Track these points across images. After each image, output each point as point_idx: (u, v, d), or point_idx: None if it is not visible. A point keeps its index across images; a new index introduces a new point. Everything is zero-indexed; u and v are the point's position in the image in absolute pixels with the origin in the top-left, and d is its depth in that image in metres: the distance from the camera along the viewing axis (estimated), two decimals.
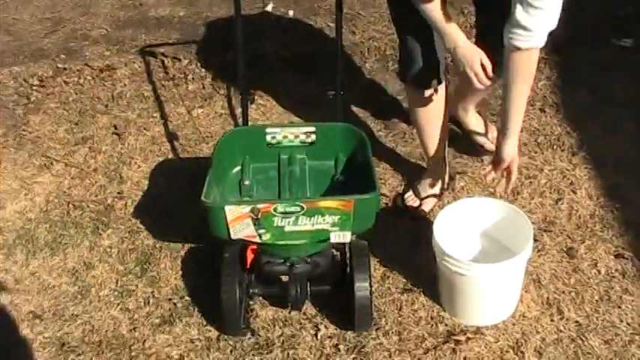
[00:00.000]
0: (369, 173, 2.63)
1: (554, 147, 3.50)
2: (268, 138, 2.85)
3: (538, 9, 2.44)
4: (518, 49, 2.52)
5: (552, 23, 2.51)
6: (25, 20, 4.72)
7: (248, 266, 2.73)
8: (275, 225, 2.49)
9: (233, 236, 2.51)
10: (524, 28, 2.46)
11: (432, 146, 3.14)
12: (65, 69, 4.20)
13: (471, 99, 3.37)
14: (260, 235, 2.52)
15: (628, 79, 3.85)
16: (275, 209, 2.46)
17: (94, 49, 4.35)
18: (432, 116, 3.05)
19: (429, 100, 2.97)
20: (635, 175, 3.30)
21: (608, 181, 3.30)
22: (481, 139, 3.43)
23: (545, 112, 3.69)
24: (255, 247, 2.69)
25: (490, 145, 3.29)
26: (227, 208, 2.46)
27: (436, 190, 3.23)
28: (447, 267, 2.64)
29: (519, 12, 2.45)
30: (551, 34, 2.50)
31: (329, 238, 2.54)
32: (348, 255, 2.75)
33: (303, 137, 2.85)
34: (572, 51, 3.96)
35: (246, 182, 2.83)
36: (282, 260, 2.66)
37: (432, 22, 2.67)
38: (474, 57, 2.65)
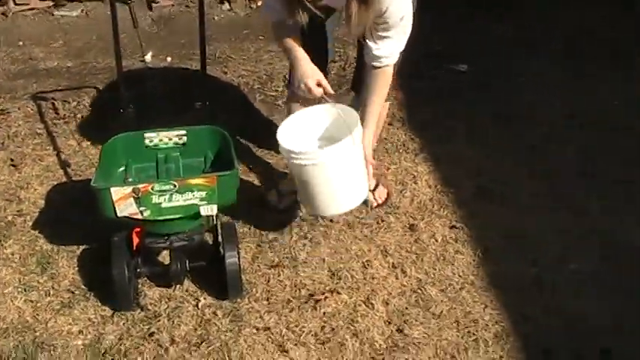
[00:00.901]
0: (231, 161, 3.17)
1: (400, 151, 4.14)
2: (147, 142, 3.36)
3: (386, 38, 3.08)
4: (375, 67, 3.15)
5: (401, 46, 3.16)
6: None
7: (135, 249, 3.20)
8: (153, 202, 2.98)
9: (119, 214, 2.98)
10: (377, 55, 3.10)
11: None
12: None
13: None
14: (142, 212, 3.00)
15: (463, 97, 4.55)
16: (152, 188, 2.96)
17: None
18: None
19: None
20: (465, 169, 3.95)
21: (443, 174, 3.94)
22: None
23: (392, 125, 4.33)
24: (139, 230, 3.18)
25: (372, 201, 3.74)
26: (112, 189, 2.95)
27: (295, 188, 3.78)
28: (295, 163, 3.08)
29: (372, 43, 3.09)
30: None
31: (199, 212, 3.04)
32: (220, 234, 3.25)
33: (176, 139, 3.37)
34: (415, 74, 4.65)
35: (129, 179, 3.31)
36: (164, 239, 3.15)
37: (286, 50, 3.21)
38: (313, 75, 3.12)
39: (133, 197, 2.96)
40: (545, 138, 4.26)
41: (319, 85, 3.12)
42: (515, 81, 4.83)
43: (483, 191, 3.82)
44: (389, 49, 3.16)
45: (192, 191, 2.99)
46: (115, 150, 3.32)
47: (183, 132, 3.38)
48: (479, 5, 5.67)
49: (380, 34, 3.10)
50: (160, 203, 2.99)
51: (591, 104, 4.59)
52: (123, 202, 2.97)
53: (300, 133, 3.27)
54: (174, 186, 2.97)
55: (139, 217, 3.02)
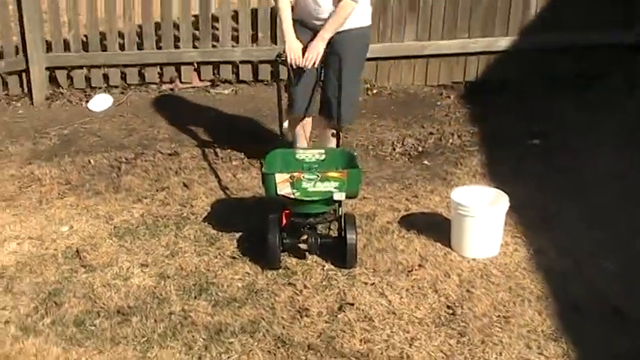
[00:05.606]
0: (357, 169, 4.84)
1: None
2: (297, 156, 5.06)
3: None
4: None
5: None
6: (106, 129, 7.03)
7: (283, 225, 4.85)
8: (303, 186, 4.65)
9: (278, 192, 4.65)
10: None
11: None
12: (143, 153, 6.45)
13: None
14: (294, 193, 4.67)
15: (537, 164, 6.19)
16: (303, 176, 4.64)
17: (162, 144, 6.63)
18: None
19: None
20: (531, 205, 5.52)
21: (515, 204, 5.51)
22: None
23: (475, 177, 5.96)
24: (287, 212, 4.84)
25: None
26: (277, 175, 4.65)
27: None
28: (459, 214, 4.86)
29: None
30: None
31: (333, 197, 4.69)
32: (343, 220, 4.87)
33: (317, 156, 5.05)
34: (494, 148, 6.34)
35: None
36: (305, 219, 4.80)
37: (281, 21, 5.34)
38: (295, 49, 5.27)
39: (290, 182, 4.65)
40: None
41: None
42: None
43: (539, 216, 5.38)
44: None
45: (329, 181, 4.66)
46: (275, 158, 5.03)
47: (323, 151, 5.08)
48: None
49: None
50: (307, 187, 4.66)
51: None
52: (283, 184, 4.66)
53: (465, 198, 5.01)
54: (318, 176, 4.65)
55: (292, 196, 4.69)
